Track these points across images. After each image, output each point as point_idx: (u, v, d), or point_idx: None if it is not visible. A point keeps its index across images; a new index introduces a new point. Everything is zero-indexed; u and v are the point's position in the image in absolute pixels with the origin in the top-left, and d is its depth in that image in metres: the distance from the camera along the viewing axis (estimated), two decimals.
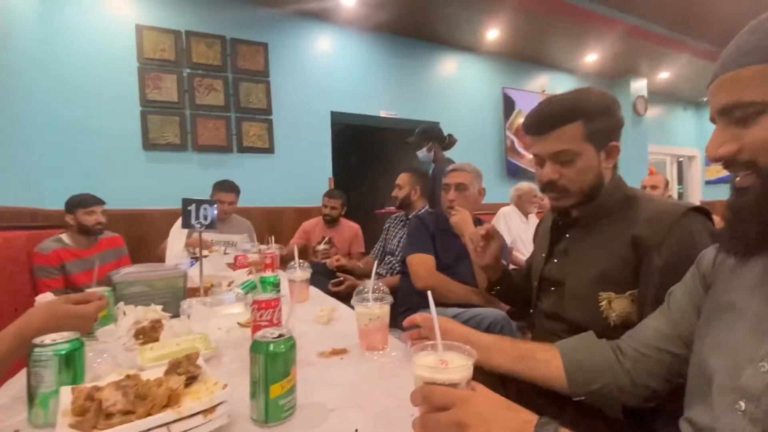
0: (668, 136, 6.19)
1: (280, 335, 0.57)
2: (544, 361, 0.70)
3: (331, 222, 2.90)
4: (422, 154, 2.92)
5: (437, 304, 1.60)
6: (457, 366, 0.46)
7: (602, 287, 0.83)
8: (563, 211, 0.95)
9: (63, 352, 0.58)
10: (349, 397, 0.63)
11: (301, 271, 1.32)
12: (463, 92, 4.36)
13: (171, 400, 0.52)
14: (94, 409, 0.48)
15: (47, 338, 0.59)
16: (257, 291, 1.24)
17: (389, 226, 2.44)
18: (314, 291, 1.48)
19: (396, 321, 1.71)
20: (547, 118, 0.86)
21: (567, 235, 0.95)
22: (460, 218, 1.54)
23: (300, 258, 1.33)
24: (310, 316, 1.10)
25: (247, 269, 1.65)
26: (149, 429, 0.47)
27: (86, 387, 0.51)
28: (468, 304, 1.48)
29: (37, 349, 0.57)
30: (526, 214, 3.05)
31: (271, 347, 0.55)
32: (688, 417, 0.54)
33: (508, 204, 3.16)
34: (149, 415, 0.48)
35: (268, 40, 3.33)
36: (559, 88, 4.83)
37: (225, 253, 2.20)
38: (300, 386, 0.63)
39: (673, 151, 6.41)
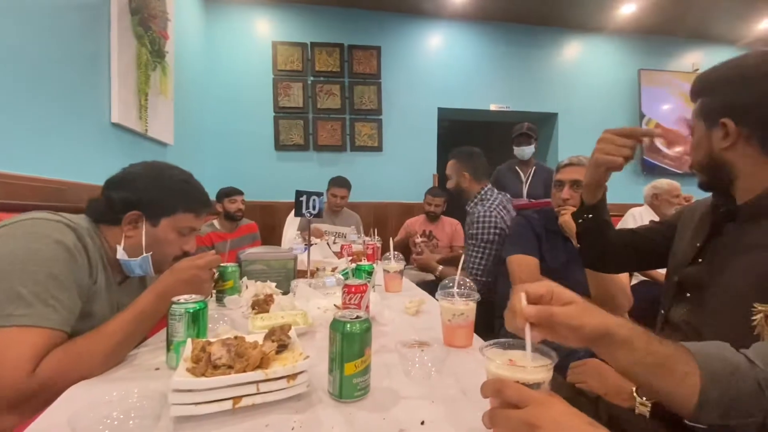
0: None
1: (358, 317, 0.60)
2: (681, 374, 0.53)
3: (434, 218, 2.92)
4: (530, 148, 2.84)
5: None
6: (538, 366, 0.44)
7: (760, 298, 0.65)
8: (723, 199, 0.78)
9: (191, 310, 0.71)
10: (423, 389, 0.63)
11: (395, 263, 1.36)
12: (587, 78, 3.88)
13: (263, 362, 0.59)
14: (204, 360, 0.58)
15: (182, 298, 0.73)
16: (355, 277, 1.32)
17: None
18: (407, 283, 1.51)
19: (493, 326, 1.64)
20: (691, 93, 0.82)
21: (724, 231, 0.77)
22: (571, 218, 1.37)
23: (401, 252, 1.37)
24: (400, 306, 1.12)
25: (350, 257, 1.77)
26: (242, 383, 0.55)
27: (202, 341, 0.62)
28: None
29: (173, 306, 0.71)
30: (662, 216, 2.56)
31: (348, 327, 0.58)
32: None
33: (640, 205, 2.70)
34: (244, 371, 0.56)
35: (381, 43, 3.49)
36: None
37: (334, 243, 2.40)
38: (377, 371, 0.65)
39: None
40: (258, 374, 0.55)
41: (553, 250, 1.48)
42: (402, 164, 3.55)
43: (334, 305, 1.11)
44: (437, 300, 0.86)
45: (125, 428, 0.48)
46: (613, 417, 0.73)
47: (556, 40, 3.83)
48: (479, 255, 1.78)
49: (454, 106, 3.65)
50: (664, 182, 2.60)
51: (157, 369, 0.70)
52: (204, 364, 0.57)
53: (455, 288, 0.84)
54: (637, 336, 0.53)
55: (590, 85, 3.89)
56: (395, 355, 0.77)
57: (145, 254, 0.90)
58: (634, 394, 0.77)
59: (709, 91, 0.77)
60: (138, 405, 0.51)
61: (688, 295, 0.80)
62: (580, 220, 1.01)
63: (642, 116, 3.92)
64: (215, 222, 2.68)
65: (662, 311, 0.86)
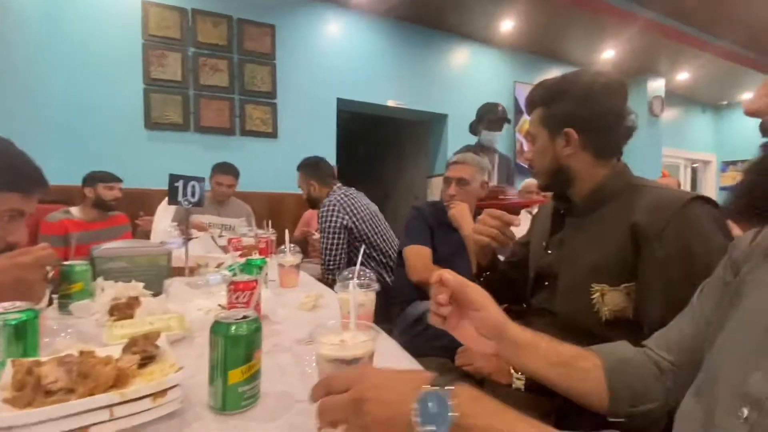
0: (684, 140, 6.03)
1: (245, 316, 0.52)
2: (584, 370, 0.58)
3: None
4: (487, 136, 2.72)
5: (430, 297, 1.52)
6: (359, 342, 0.50)
7: (596, 279, 0.77)
8: (561, 198, 0.91)
9: (13, 323, 0.54)
10: None
11: (291, 256, 1.28)
12: (473, 84, 4.26)
13: (119, 380, 0.48)
14: (31, 385, 0.44)
15: (0, 306, 0.55)
16: (244, 273, 1.20)
17: None
18: (305, 277, 1.44)
19: (389, 314, 1.68)
20: (527, 102, 0.93)
21: (565, 226, 0.90)
22: (458, 211, 1.48)
23: (301, 248, 1.29)
24: (296, 302, 1.06)
25: (239, 252, 1.61)
26: (87, 410, 0.43)
27: (27, 361, 0.47)
28: None
29: None
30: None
31: (233, 329, 0.50)
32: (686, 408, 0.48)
33: None
34: (91, 395, 0.44)
35: (276, 22, 3.26)
36: None
37: (220, 236, 2.17)
38: (269, 373, 0.58)
39: (688, 156, 6.26)
40: (110, 396, 0.44)
41: (443, 241, 1.57)
42: (299, 153, 3.33)
43: (219, 305, 0.99)
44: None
45: None
46: (497, 395, 0.79)
47: (449, 44, 4.10)
48: (324, 242, 1.93)
49: (353, 98, 3.63)
50: (530, 180, 3.03)
51: None
52: (30, 391, 0.44)
53: (354, 279, 0.81)
54: (539, 338, 0.59)
55: (475, 90, 4.28)
56: (289, 354, 0.71)
57: None
58: (511, 371, 0.85)
59: (549, 101, 0.87)
60: None
61: (546, 283, 0.92)
62: (482, 279, 1.11)
63: (517, 122, 4.48)
64: (72, 209, 2.20)
65: (530, 300, 0.98)
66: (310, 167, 2.19)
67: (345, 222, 1.92)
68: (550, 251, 0.92)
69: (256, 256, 1.17)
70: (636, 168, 0.87)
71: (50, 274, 0.78)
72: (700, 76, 5.09)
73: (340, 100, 3.58)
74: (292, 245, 1.30)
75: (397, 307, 1.55)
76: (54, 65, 2.63)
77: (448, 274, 0.56)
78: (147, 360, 0.54)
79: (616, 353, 0.60)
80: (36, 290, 0.67)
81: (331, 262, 1.92)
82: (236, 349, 0.50)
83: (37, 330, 0.58)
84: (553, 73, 4.69)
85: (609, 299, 0.76)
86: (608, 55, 4.53)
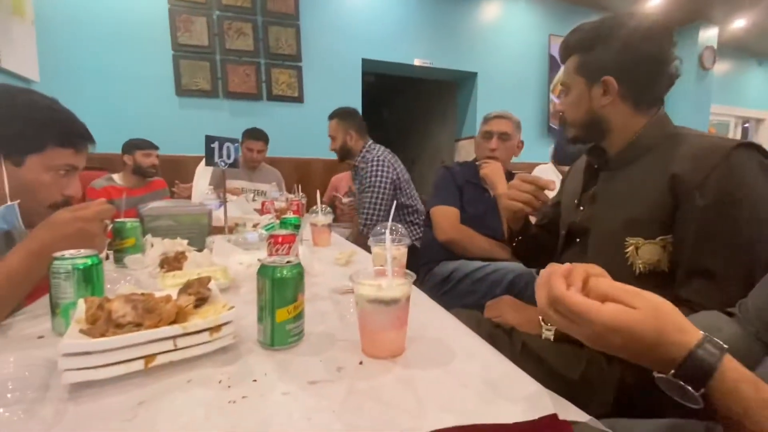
0: (736, 96, 5.53)
1: (288, 261, 0.55)
2: None
3: None
4: None
5: (460, 257, 1.55)
6: (396, 285, 0.52)
7: (630, 232, 0.75)
8: (596, 152, 0.87)
9: (81, 266, 0.59)
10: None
11: (323, 216, 1.31)
12: (504, 39, 4.03)
13: (179, 317, 0.52)
14: (104, 318, 0.49)
15: (67, 253, 0.60)
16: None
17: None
18: (336, 238, 1.48)
19: (418, 274, 1.71)
20: (561, 49, 0.88)
21: (598, 180, 0.87)
22: (491, 170, 1.45)
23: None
24: (330, 259, 1.10)
25: (272, 214, 1.67)
26: (155, 340, 0.47)
27: (98, 298, 0.52)
28: (492, 259, 1.43)
29: (56, 262, 0.58)
30: (563, 172, 2.88)
31: (279, 271, 0.53)
32: None
33: (546, 163, 2.99)
34: (156, 327, 0.49)
35: None
36: None
37: (253, 200, 2.24)
38: (311, 318, 0.62)
39: (740, 113, 5.75)
40: (174, 329, 0.49)
41: (472, 201, 1.56)
42: (325, 117, 3.38)
43: (258, 260, 1.04)
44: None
45: (2, 402, 0.39)
46: (525, 343, 0.81)
47: None
48: (372, 198, 1.88)
49: (378, 58, 3.53)
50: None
51: (41, 337, 0.58)
52: (103, 324, 0.49)
53: (387, 233, 0.83)
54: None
55: (507, 46, 4.05)
56: (329, 302, 0.75)
57: (9, 202, 0.72)
58: (541, 322, 0.86)
59: (587, 47, 0.82)
60: (16, 375, 0.41)
61: (578, 240, 0.90)
62: (514, 244, 1.11)
63: (551, 80, 4.24)
64: (115, 176, 2.34)
65: (559, 258, 0.96)
66: (348, 116, 2.10)
67: (393, 177, 1.92)
68: (582, 207, 0.90)
69: (291, 215, 1.21)
70: (681, 124, 0.82)
71: (108, 228, 0.84)
72: (759, 23, 4.57)
73: (365, 61, 3.49)
74: (324, 206, 1.33)
75: (425, 267, 1.57)
76: (88, 38, 2.68)
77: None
78: (200, 301, 0.58)
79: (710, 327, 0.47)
80: (96, 242, 0.71)
81: (375, 217, 1.88)
82: (282, 290, 0.53)
83: (102, 274, 0.63)
84: None
85: (644, 252, 0.74)
86: (655, 1, 4.14)
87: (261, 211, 1.81)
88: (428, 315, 0.70)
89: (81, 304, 0.54)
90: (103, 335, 0.47)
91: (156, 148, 2.42)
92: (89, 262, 0.60)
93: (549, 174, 2.89)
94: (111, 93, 2.80)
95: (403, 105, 5.50)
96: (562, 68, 0.91)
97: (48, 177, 0.78)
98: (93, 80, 2.73)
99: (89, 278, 0.60)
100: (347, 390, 0.45)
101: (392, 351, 0.53)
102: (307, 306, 0.61)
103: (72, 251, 0.61)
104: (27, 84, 1.94)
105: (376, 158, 1.93)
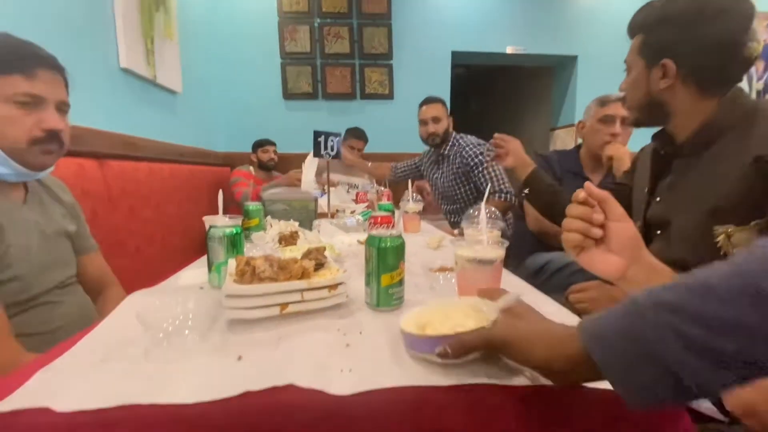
0: None
1: (391, 234, 0.63)
2: None
3: None
4: None
5: (551, 248, 1.50)
6: (492, 249, 0.61)
7: (717, 221, 0.69)
8: (662, 137, 0.82)
9: (230, 234, 0.75)
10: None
11: (413, 203, 1.38)
12: (607, 18, 3.63)
13: (304, 275, 0.63)
14: (249, 272, 0.62)
15: (218, 223, 0.76)
16: None
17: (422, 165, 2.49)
18: (426, 226, 1.54)
19: (506, 262, 1.69)
20: (629, 26, 0.83)
21: (672, 169, 0.80)
22: (619, 149, 1.38)
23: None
24: (422, 244, 1.16)
25: (366, 203, 1.80)
26: (288, 291, 0.59)
27: (245, 257, 0.66)
28: None
29: (212, 230, 0.74)
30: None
31: (383, 241, 0.61)
32: None
33: None
34: (288, 281, 0.60)
35: None
36: None
37: (347, 192, 2.42)
38: (407, 289, 0.69)
39: None
40: (302, 283, 0.59)
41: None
42: (414, 113, 3.45)
43: (357, 241, 1.15)
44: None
45: (185, 326, 0.53)
46: None
47: None
48: (492, 169, 1.96)
49: (468, 49, 3.48)
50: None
51: (201, 288, 0.75)
52: (250, 277, 0.61)
53: (482, 214, 0.86)
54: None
55: (610, 25, 3.65)
56: (422, 278, 0.81)
57: None
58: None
59: (650, 28, 0.77)
60: (195, 309, 0.55)
61: (658, 232, 0.83)
62: (524, 194, 1.16)
63: None
64: (251, 168, 2.77)
65: None
66: (443, 101, 2.29)
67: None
68: (658, 198, 0.83)
69: (385, 202, 1.30)
70: None
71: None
72: None
73: (454, 54, 3.46)
74: (414, 194, 1.40)
75: (516, 259, 1.54)
76: (216, 54, 3.15)
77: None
78: (318, 266, 0.69)
79: None
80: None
81: (507, 183, 1.96)
82: (386, 257, 0.61)
83: (243, 241, 0.78)
84: None
85: (738, 240, 0.68)
86: None
87: (356, 200, 1.97)
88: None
89: (232, 262, 0.68)
90: (250, 283, 0.60)
91: (272, 143, 2.80)
92: (234, 231, 0.75)
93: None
94: (234, 100, 3.25)
95: (492, 95, 5.32)
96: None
97: (5, 109, 0.70)
98: (220, 90, 3.20)
99: (235, 243, 0.75)
100: None
101: None
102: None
103: (221, 221, 0.77)
104: (172, 95, 2.37)
105: (474, 141, 2.05)
